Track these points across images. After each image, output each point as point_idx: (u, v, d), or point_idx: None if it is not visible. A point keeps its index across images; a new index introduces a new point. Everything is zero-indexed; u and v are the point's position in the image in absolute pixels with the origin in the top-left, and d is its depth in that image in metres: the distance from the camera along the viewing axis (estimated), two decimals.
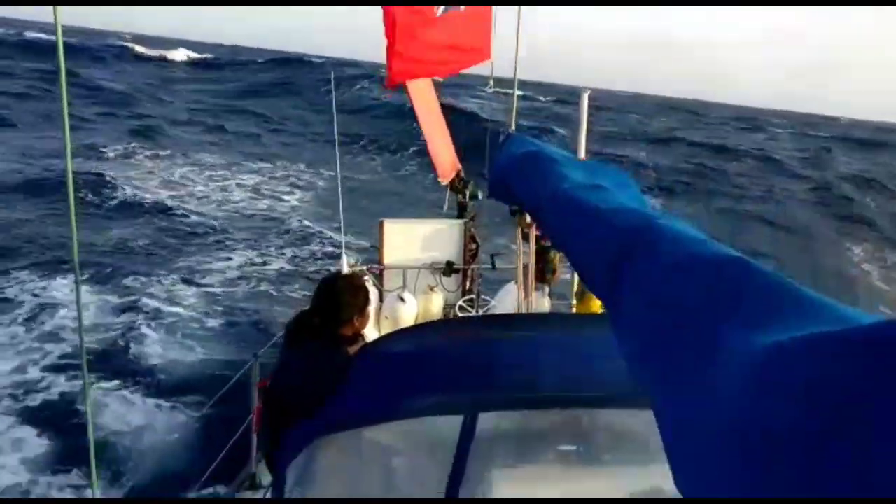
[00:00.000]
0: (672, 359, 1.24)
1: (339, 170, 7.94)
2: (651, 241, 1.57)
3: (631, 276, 1.58)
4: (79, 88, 35.02)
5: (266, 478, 4.52)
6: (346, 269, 6.70)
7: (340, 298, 3.40)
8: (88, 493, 6.67)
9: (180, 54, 78.73)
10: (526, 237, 4.65)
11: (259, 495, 4.59)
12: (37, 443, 8.21)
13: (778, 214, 22.99)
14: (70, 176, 2.77)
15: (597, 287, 1.85)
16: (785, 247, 19.00)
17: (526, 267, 4.85)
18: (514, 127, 5.91)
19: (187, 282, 12.93)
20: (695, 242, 1.46)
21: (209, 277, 13.23)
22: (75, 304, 2.97)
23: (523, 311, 4.95)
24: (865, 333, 0.73)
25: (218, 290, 12.67)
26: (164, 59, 72.83)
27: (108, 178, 18.90)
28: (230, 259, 14.33)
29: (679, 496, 2.42)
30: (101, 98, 36.37)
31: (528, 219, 4.36)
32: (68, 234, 3.15)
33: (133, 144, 24.99)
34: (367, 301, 3.53)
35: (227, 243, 15.56)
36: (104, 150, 23.12)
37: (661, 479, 2.55)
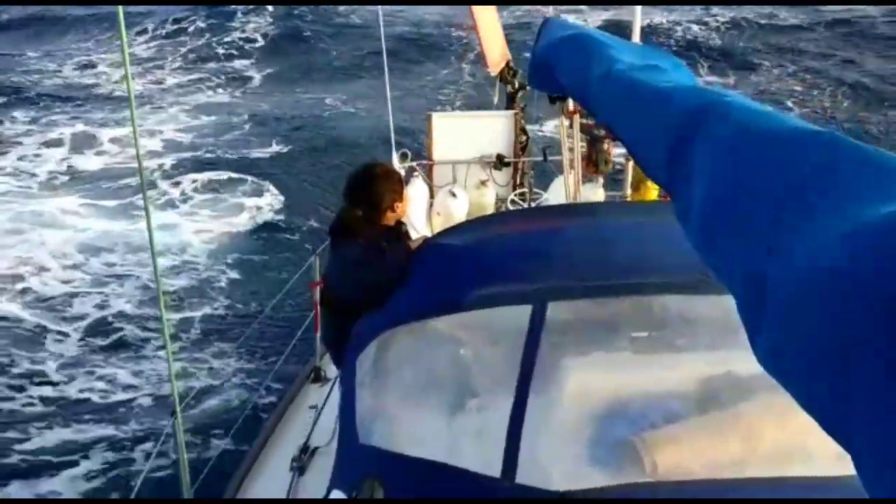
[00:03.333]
0: (749, 237, 1.19)
1: (385, 65, 7.76)
2: (718, 118, 1.49)
3: (697, 156, 1.50)
4: None
5: (331, 371, 4.65)
6: (396, 165, 6.64)
7: (376, 187, 3.34)
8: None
9: None
10: (572, 125, 4.52)
11: (325, 389, 4.73)
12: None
13: None
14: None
15: (657, 172, 1.78)
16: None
17: (573, 158, 4.74)
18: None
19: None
20: (768, 117, 1.37)
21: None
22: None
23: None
24: None
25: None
26: None
27: None
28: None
29: (751, 375, 2.40)
30: None
31: (572, 106, 4.22)
32: None
33: None
34: (402, 184, 3.48)
35: None
36: None
37: (732, 362, 2.54)
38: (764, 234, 1.15)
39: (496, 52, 7.70)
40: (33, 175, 13.36)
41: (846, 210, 0.99)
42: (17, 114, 16.29)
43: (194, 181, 12.99)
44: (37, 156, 14.16)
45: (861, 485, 2.24)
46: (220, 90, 18.23)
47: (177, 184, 12.91)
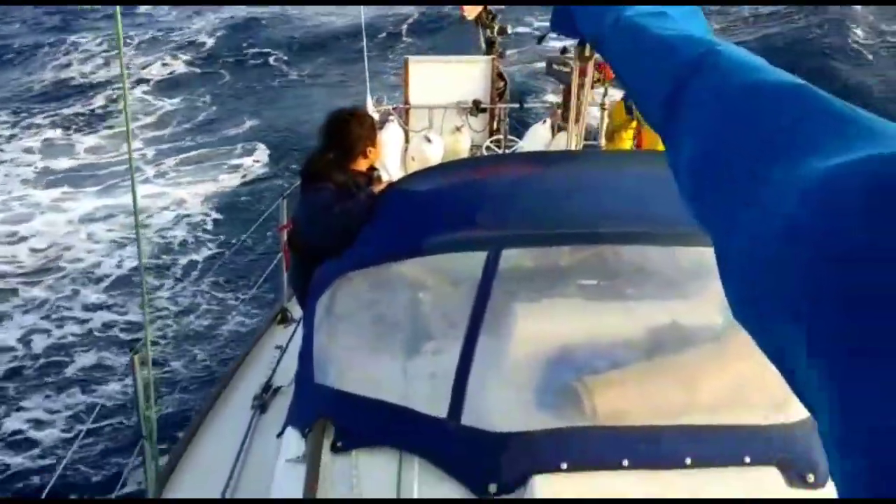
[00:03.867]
0: (729, 189, 1.22)
1: (362, 13, 7.63)
2: (713, 65, 1.50)
3: (689, 107, 1.52)
4: None
5: (297, 312, 4.69)
6: (371, 109, 6.58)
7: (349, 131, 3.32)
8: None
9: None
10: (583, 73, 4.43)
11: (290, 329, 4.77)
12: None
13: None
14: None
15: (655, 121, 1.80)
16: None
17: (565, 106, 4.68)
18: None
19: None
20: (754, 69, 1.39)
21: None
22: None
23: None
24: None
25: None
26: None
27: None
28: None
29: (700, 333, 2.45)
30: None
31: (588, 52, 4.16)
32: None
33: None
34: (374, 130, 3.46)
35: None
36: None
37: (678, 313, 2.60)
38: (741, 186, 1.18)
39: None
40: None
41: (811, 163, 1.01)
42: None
43: (171, 154, 12.86)
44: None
45: (791, 432, 2.31)
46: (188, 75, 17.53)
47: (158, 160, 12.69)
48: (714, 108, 1.40)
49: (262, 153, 12.49)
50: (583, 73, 4.27)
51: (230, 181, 11.66)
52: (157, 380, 4.10)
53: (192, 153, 12.88)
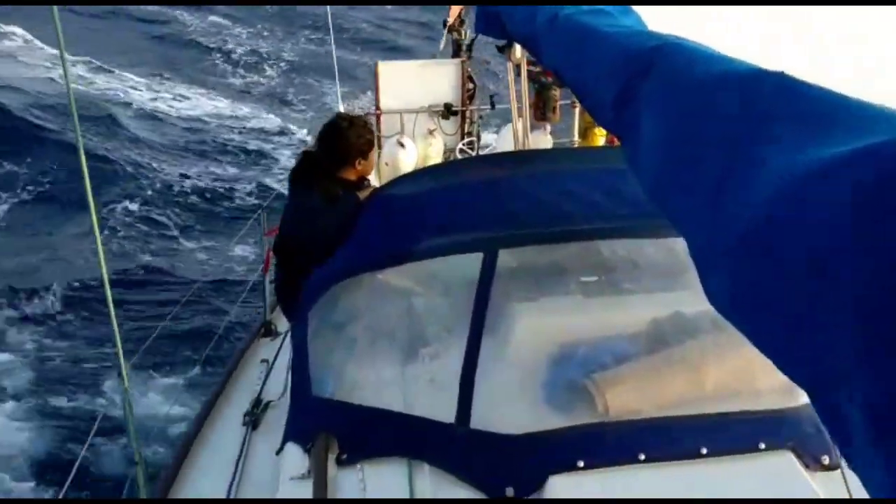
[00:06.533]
0: (698, 181, 1.19)
1: (329, 19, 7.58)
2: (668, 60, 1.47)
3: (646, 101, 1.49)
4: None
5: (282, 325, 4.60)
6: None
7: (342, 139, 3.28)
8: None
9: None
10: (519, 73, 4.47)
11: (276, 343, 4.69)
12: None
13: None
14: None
15: (606, 117, 1.76)
16: None
17: (521, 106, 4.71)
18: None
19: None
20: (718, 60, 1.36)
21: None
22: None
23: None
24: None
25: None
26: None
27: None
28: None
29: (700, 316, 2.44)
30: None
31: (519, 53, 4.18)
32: None
33: None
34: (370, 144, 3.42)
35: None
36: None
37: (678, 303, 2.59)
38: (711, 179, 1.15)
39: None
40: None
41: (785, 156, 0.99)
42: None
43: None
44: None
45: (802, 415, 2.30)
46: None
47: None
48: (676, 101, 1.37)
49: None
50: (518, 74, 4.31)
51: (205, 191, 11.43)
52: (143, 402, 3.99)
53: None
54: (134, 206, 10.77)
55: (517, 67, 4.39)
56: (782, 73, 1.19)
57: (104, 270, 3.38)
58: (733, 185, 1.08)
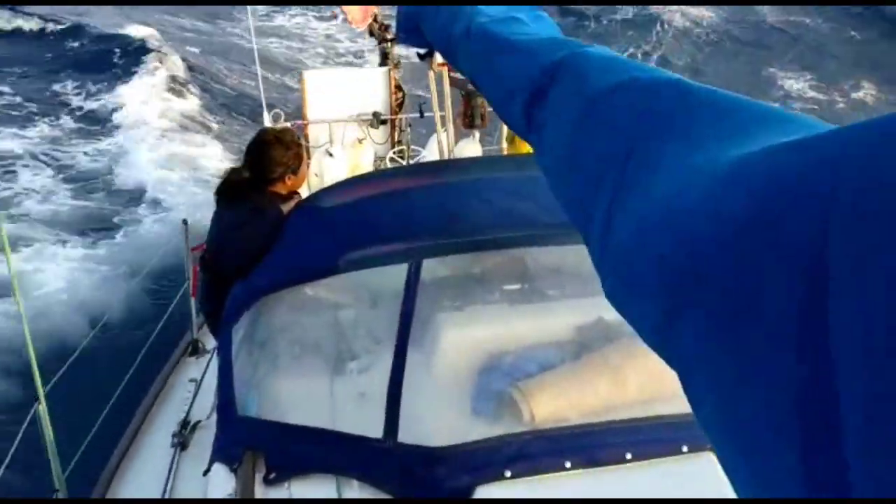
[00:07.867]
0: (597, 188, 1.22)
1: (251, 24, 7.47)
2: (575, 67, 1.50)
3: (552, 108, 1.52)
4: None
5: (209, 343, 4.51)
6: (268, 126, 6.42)
7: (270, 155, 3.24)
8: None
9: None
10: (441, 81, 4.50)
11: (203, 361, 4.59)
12: None
13: None
14: None
15: (518, 125, 1.79)
16: None
17: (444, 114, 4.73)
18: None
19: None
20: (623, 67, 1.39)
21: None
22: None
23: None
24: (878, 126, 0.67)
25: None
26: None
27: None
28: None
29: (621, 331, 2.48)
30: None
31: (440, 60, 4.20)
32: None
33: None
34: (299, 158, 3.38)
35: None
36: None
37: (601, 310, 2.62)
38: (609, 185, 1.17)
39: (355, 9, 7.53)
40: None
41: (683, 158, 1.01)
42: None
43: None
44: None
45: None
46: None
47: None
48: (576, 110, 1.39)
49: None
50: (441, 82, 4.34)
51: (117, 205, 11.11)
52: (64, 428, 3.82)
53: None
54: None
55: (439, 76, 4.41)
56: (679, 77, 1.23)
57: (17, 295, 3.25)
58: (627, 188, 1.11)
